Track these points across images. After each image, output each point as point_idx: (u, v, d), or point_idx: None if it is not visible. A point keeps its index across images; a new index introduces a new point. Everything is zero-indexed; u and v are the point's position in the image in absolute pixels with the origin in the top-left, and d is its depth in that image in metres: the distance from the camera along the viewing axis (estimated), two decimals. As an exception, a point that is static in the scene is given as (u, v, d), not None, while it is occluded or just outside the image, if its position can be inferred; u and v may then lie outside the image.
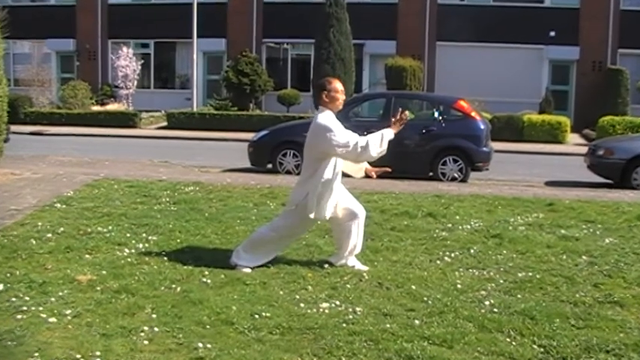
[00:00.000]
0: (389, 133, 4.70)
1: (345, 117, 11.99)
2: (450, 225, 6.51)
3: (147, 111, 22.94)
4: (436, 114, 10.69)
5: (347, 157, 4.61)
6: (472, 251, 5.50)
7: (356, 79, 22.22)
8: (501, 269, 5.00)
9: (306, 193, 4.65)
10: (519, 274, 4.84)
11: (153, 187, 8.32)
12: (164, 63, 26.68)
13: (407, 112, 4.76)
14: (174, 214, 6.72)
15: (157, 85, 26.64)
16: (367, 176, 5.13)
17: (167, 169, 10.86)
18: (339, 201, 4.81)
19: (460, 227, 6.40)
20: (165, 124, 21.60)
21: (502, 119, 18.86)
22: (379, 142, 4.62)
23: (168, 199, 7.56)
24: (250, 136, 12.39)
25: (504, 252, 5.51)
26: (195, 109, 22.09)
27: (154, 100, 25.15)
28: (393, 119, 4.77)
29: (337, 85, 4.70)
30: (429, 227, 6.38)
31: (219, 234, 5.89)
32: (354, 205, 4.94)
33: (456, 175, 10.48)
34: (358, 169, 5.05)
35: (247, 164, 11.48)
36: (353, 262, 4.97)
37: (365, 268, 4.93)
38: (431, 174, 10.64)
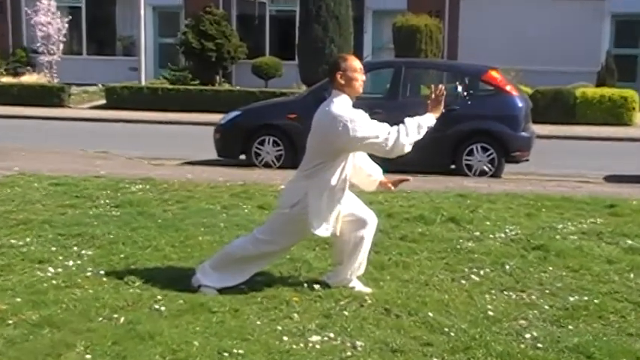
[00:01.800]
0: (428, 120, 4.79)
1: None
2: (477, 233, 6.53)
3: (78, 84, 22.84)
4: (459, 88, 10.74)
5: (376, 151, 4.66)
6: (507, 267, 5.53)
7: (355, 43, 22.25)
8: (546, 291, 5.03)
9: (305, 192, 4.67)
10: (571, 298, 4.87)
11: (87, 186, 8.29)
12: (100, 21, 26.58)
13: (441, 87, 4.83)
14: (116, 220, 6.70)
15: (92, 51, 26.55)
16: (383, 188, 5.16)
17: (106, 162, 10.83)
18: (344, 205, 4.83)
19: (491, 236, 6.43)
20: (103, 102, 21.53)
21: (547, 94, 18.94)
22: (415, 130, 4.69)
23: (108, 201, 7.54)
24: (217, 118, 12.37)
25: (550, 269, 5.54)
26: (143, 83, 22.04)
27: (87, 70, 25.06)
28: (429, 101, 4.86)
29: (355, 63, 4.77)
30: (450, 236, 6.40)
31: (177, 246, 5.89)
32: (361, 209, 4.96)
33: (485, 168, 10.54)
34: (371, 182, 5.09)
35: (214, 155, 11.48)
36: (355, 282, 4.99)
37: (368, 289, 4.94)
38: (453, 167, 10.69)
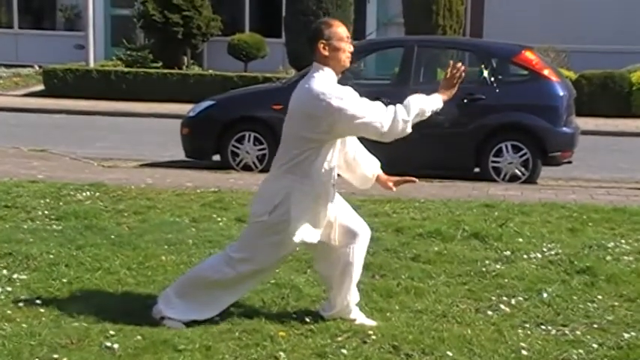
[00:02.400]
0: (435, 102, 4.80)
1: (340, 78, 12.07)
2: (507, 253, 6.54)
3: (7, 66, 22.81)
4: (486, 73, 10.77)
5: (370, 133, 4.66)
6: (545, 296, 5.53)
7: (356, 17, 22.29)
8: (594, 326, 5.03)
9: (287, 192, 4.66)
10: (625, 335, 4.87)
11: (21, 193, 8.27)
12: (38, -13, 26.59)
13: (460, 65, 4.85)
14: (57, 236, 6.68)
15: (25, 24, 26.49)
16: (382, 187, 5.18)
17: (45, 163, 10.81)
18: (334, 209, 4.84)
19: (525, 257, 6.44)
20: (40, 87, 21.51)
21: (595, 80, 19.01)
22: (417, 111, 4.69)
23: (47, 212, 7.52)
24: (185, 109, 12.36)
25: (599, 297, 5.55)
26: (91, 65, 22.03)
27: (19, 47, 25.05)
28: (443, 80, 4.88)
29: (340, 29, 4.76)
30: (474, 256, 6.41)
31: (134, 268, 5.88)
32: (352, 220, 4.97)
33: (517, 171, 10.57)
34: (366, 178, 5.09)
35: (181, 155, 11.48)
36: (356, 313, 4.99)
37: (372, 322, 4.94)
38: (477, 170, 10.72)
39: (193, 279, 4.96)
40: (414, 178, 5.15)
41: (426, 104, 4.74)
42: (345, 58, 4.74)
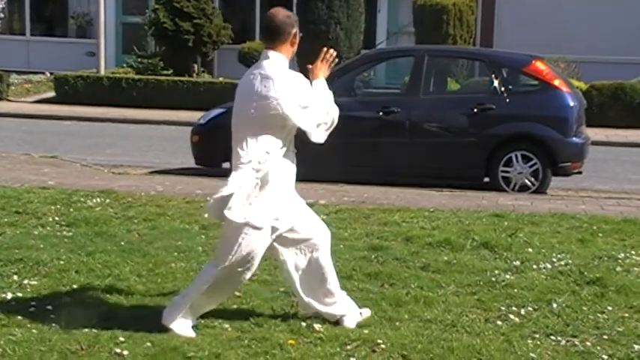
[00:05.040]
0: (319, 86, 4.99)
1: (350, 87, 12.15)
2: (517, 263, 6.53)
3: (19, 72, 22.85)
4: (496, 82, 10.77)
5: (313, 123, 4.87)
6: (555, 306, 5.52)
7: (366, 25, 22.29)
8: (604, 337, 5.02)
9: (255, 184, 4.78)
10: (636, 346, 4.86)
11: (32, 199, 8.28)
12: (49, -6, 26.68)
13: (332, 50, 5.11)
14: (68, 242, 6.69)
15: (37, 31, 26.55)
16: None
17: (56, 170, 10.82)
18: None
19: (535, 267, 6.43)
20: (51, 94, 21.53)
21: (605, 91, 18.96)
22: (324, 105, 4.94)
23: (57, 219, 7.52)
24: (196, 116, 12.37)
25: (609, 308, 5.54)
26: (102, 72, 22.06)
27: (31, 54, 25.08)
28: (314, 66, 5.09)
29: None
30: (483, 266, 6.40)
31: (144, 275, 5.89)
32: (307, 220, 5.07)
33: (527, 181, 10.54)
34: None
35: (191, 162, 11.49)
36: (351, 320, 5.04)
37: (353, 324, 4.99)
38: (487, 180, 10.70)
39: (201, 283, 4.91)
40: (332, 51, 5.16)
41: (324, 95, 4.98)
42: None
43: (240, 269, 4.83)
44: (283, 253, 5.00)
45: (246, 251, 4.75)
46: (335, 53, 5.11)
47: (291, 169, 4.95)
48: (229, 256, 4.75)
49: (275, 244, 4.91)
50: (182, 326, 4.84)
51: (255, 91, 4.80)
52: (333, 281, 5.10)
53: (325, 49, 5.07)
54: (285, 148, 4.86)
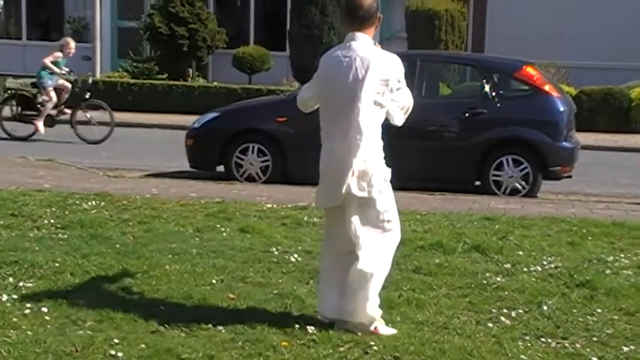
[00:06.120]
0: None
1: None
2: (508, 265, 6.55)
3: (15, 76, 22.77)
4: (487, 87, 10.80)
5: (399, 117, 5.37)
6: (545, 309, 5.53)
7: (360, 30, 22.28)
8: (594, 339, 5.03)
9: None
10: (625, 348, 4.87)
11: (27, 202, 8.28)
12: (45, -2, 26.65)
13: None
14: (63, 245, 6.69)
15: (33, 35, 26.53)
16: None
17: (52, 173, 10.80)
18: None
19: (525, 270, 6.44)
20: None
21: (595, 96, 19.03)
22: None
23: (53, 221, 7.52)
24: (190, 120, 12.37)
25: (599, 310, 5.55)
26: (98, 76, 22.04)
27: (27, 58, 25.02)
28: None
29: None
30: (474, 269, 6.41)
31: (139, 277, 5.89)
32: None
33: (518, 185, 10.57)
34: None
35: (185, 165, 11.49)
36: (378, 323, 5.02)
37: (391, 330, 4.98)
38: (478, 183, 10.72)
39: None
40: None
41: None
42: None
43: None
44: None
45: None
46: None
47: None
48: (397, 221, 5.27)
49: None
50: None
51: (357, 72, 4.96)
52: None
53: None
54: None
